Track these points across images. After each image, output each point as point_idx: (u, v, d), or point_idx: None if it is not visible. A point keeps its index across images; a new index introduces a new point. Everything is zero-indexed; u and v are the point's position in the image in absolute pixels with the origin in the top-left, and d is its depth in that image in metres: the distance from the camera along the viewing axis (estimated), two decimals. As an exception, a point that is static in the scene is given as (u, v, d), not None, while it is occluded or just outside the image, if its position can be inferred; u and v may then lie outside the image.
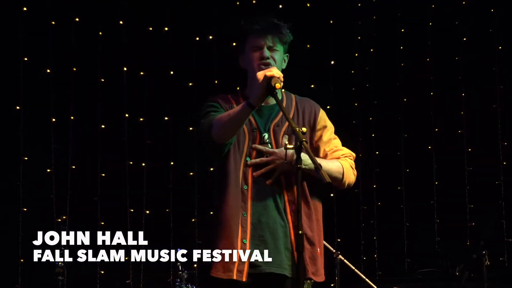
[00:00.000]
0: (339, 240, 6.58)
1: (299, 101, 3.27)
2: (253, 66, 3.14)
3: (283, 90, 3.25)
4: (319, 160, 2.81)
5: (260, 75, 2.95)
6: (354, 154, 3.27)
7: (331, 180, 2.84)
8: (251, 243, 3.03)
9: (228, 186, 3.06)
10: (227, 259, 3.01)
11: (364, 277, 5.21)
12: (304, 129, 2.90)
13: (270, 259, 3.03)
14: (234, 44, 3.29)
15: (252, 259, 3.02)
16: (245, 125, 3.09)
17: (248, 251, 3.01)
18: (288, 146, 2.94)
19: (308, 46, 6.71)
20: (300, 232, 2.77)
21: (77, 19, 6.07)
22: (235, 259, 3.01)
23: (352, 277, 5.32)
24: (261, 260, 3.03)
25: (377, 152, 6.94)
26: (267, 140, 3.13)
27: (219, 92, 3.32)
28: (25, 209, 5.71)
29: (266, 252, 3.04)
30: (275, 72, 2.95)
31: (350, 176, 3.20)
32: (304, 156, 2.91)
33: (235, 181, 3.07)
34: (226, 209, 3.05)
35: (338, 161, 3.19)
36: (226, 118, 3.02)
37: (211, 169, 5.76)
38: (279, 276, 3.05)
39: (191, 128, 6.27)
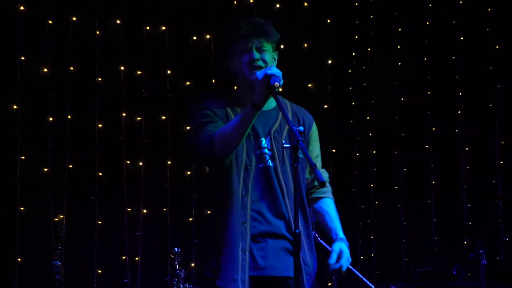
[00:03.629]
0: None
1: (296, 109, 3.25)
2: (243, 70, 3.12)
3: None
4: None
5: (260, 74, 2.94)
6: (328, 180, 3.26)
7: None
8: (252, 251, 3.02)
9: (228, 195, 3.04)
10: (230, 269, 2.99)
11: (361, 276, 5.22)
12: (301, 128, 2.91)
13: (273, 263, 3.03)
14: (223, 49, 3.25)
15: (254, 265, 3.01)
16: None
17: (248, 261, 3.00)
18: (285, 145, 2.94)
19: (305, 45, 6.72)
20: (297, 231, 2.77)
21: (74, 18, 6.07)
22: (237, 269, 2.99)
23: (349, 276, 5.32)
24: (264, 264, 3.02)
25: (374, 151, 6.95)
26: (265, 145, 3.11)
27: (210, 95, 3.29)
28: (22, 208, 5.70)
29: (268, 256, 3.03)
30: (275, 70, 2.95)
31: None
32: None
33: (235, 190, 3.05)
34: (227, 219, 3.02)
35: (332, 202, 3.37)
36: (231, 128, 2.98)
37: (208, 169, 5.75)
38: (283, 279, 3.04)
39: (188, 128, 6.26)
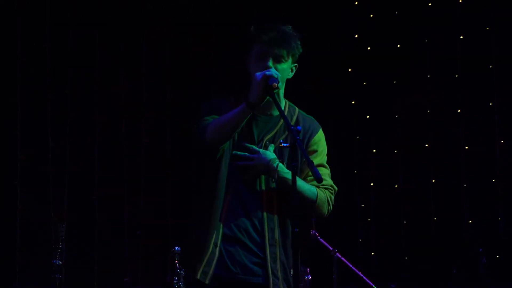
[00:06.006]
0: (336, 238, 6.58)
1: (302, 117, 3.21)
2: (254, 74, 3.12)
3: (287, 102, 3.20)
4: (298, 179, 2.88)
5: (259, 75, 2.96)
6: (336, 188, 3.20)
7: (302, 199, 2.91)
8: (222, 248, 3.04)
9: (215, 190, 3.06)
10: (198, 258, 3.03)
11: (362, 275, 5.23)
12: (299, 127, 2.92)
13: (241, 266, 3.03)
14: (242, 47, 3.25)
15: (223, 265, 3.03)
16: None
17: (216, 255, 3.02)
18: (283, 144, 2.96)
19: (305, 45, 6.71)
20: (296, 229, 2.78)
21: (74, 18, 6.07)
22: (204, 260, 3.02)
23: (350, 275, 5.33)
24: (233, 266, 3.03)
25: (374, 150, 6.94)
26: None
27: (218, 94, 3.32)
28: (21, 207, 5.71)
29: (239, 258, 3.04)
30: (273, 72, 2.95)
31: (323, 208, 3.13)
32: (283, 169, 2.99)
33: (221, 185, 3.06)
34: (209, 213, 3.06)
35: (316, 189, 3.11)
36: (223, 120, 3.01)
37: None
38: (250, 285, 3.04)
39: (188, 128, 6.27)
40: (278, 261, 3.05)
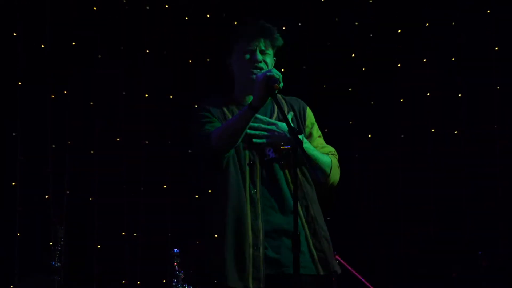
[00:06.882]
0: (335, 239, 6.57)
1: (288, 100, 3.28)
2: (244, 70, 3.13)
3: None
4: (312, 151, 2.85)
5: (260, 76, 2.95)
6: (337, 153, 3.30)
7: (318, 171, 2.89)
8: (264, 248, 3.01)
9: (231, 193, 3.03)
10: (240, 269, 2.97)
11: (360, 277, 5.22)
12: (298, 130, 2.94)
13: (286, 260, 3.00)
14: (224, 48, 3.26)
15: (269, 262, 2.99)
16: None
17: (262, 257, 2.98)
18: (284, 146, 2.96)
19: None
20: (298, 232, 2.77)
21: (74, 18, 6.07)
22: (248, 267, 2.97)
23: (349, 277, 5.32)
24: (279, 261, 3.01)
25: (374, 152, 6.94)
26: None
27: (209, 95, 3.31)
28: (21, 209, 5.70)
29: (282, 253, 3.01)
30: (274, 72, 2.95)
31: (336, 174, 3.23)
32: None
33: (241, 187, 3.04)
34: (232, 217, 3.01)
35: (329, 155, 3.20)
36: (227, 126, 3.00)
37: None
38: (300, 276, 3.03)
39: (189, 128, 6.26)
40: (318, 235, 3.04)
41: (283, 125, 3.05)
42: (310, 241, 3.03)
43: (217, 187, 3.07)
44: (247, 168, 3.05)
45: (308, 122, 3.26)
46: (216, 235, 3.05)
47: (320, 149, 3.23)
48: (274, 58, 3.24)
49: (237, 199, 3.01)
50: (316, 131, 3.29)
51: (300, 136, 2.83)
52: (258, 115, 3.03)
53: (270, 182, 3.06)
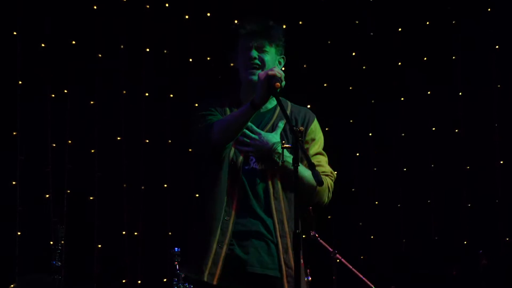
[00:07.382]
0: (336, 239, 6.58)
1: (295, 109, 3.23)
2: (242, 68, 3.14)
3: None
4: (300, 165, 2.82)
5: (262, 74, 2.94)
6: (335, 175, 3.21)
7: (304, 187, 2.88)
8: (231, 246, 3.02)
9: (217, 190, 3.04)
10: (200, 259, 3.00)
11: (361, 276, 5.22)
12: (301, 128, 2.92)
13: (252, 260, 3.01)
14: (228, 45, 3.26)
15: (234, 260, 3.01)
16: None
17: (223, 255, 2.99)
18: (285, 145, 2.94)
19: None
20: (297, 231, 2.76)
21: (74, 19, 6.07)
22: (208, 261, 2.99)
23: (349, 276, 5.33)
24: (244, 260, 3.01)
25: (374, 151, 6.95)
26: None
27: (213, 93, 3.31)
28: (21, 208, 5.70)
29: (250, 253, 3.02)
30: (276, 71, 2.94)
31: (323, 195, 3.14)
32: (286, 153, 2.95)
33: (223, 186, 3.05)
34: (209, 214, 3.04)
35: (322, 175, 3.09)
36: (228, 120, 3.01)
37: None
38: (263, 277, 3.02)
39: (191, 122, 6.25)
40: (289, 252, 3.05)
41: (268, 136, 3.03)
42: (281, 257, 3.03)
43: (208, 185, 3.09)
44: (229, 169, 3.06)
45: (308, 138, 3.19)
46: (195, 228, 3.12)
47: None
48: (283, 56, 3.21)
49: (219, 199, 3.04)
50: (316, 149, 3.19)
51: (286, 144, 2.87)
52: (249, 122, 3.04)
53: (250, 188, 3.06)
